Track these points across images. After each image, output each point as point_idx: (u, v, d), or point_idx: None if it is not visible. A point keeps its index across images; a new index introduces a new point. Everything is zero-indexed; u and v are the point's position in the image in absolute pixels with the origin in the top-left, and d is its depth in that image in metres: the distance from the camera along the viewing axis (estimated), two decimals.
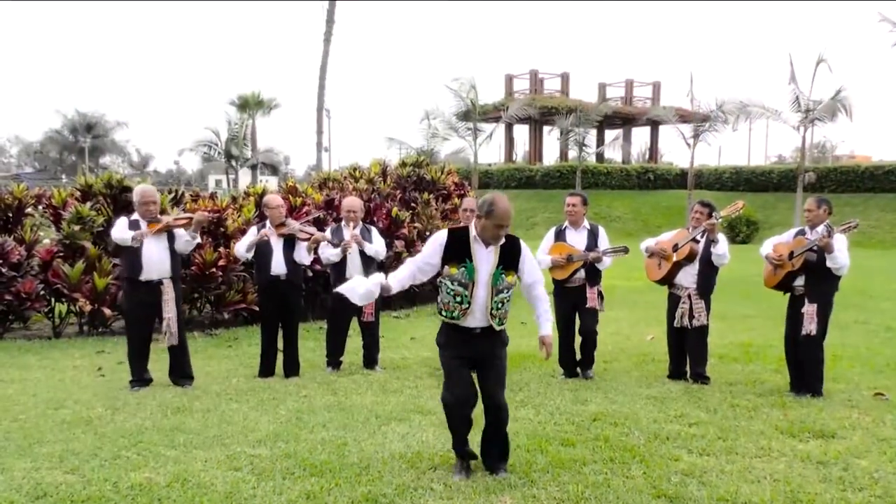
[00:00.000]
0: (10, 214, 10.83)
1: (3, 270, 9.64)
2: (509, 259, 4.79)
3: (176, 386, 7.27)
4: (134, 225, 7.14)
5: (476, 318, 4.75)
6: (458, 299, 4.71)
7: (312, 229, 7.80)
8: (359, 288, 4.89)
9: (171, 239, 7.19)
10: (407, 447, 5.45)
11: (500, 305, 4.76)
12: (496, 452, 4.98)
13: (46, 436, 5.69)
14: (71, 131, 65.68)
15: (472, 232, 4.76)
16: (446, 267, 4.76)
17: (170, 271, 7.17)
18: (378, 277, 4.90)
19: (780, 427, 6.00)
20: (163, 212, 8.13)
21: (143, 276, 7.08)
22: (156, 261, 7.09)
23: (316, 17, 72.52)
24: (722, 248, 7.33)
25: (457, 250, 4.74)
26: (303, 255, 7.71)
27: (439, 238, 4.82)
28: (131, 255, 7.10)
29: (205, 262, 10.20)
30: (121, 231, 7.10)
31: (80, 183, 11.02)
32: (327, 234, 8.07)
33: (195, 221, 7.16)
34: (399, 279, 4.90)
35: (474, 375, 4.89)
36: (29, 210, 11.06)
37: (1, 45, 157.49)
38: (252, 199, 11.84)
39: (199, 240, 7.41)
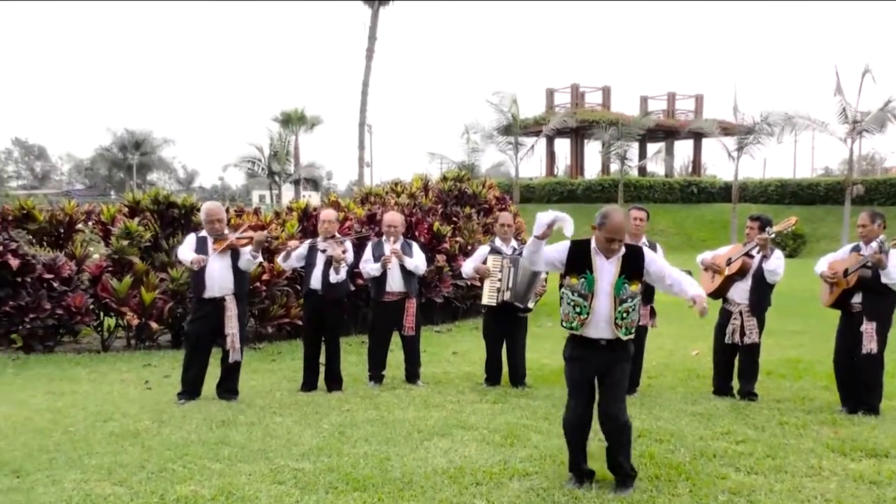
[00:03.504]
0: (62, 230, 11.05)
1: (55, 285, 9.84)
2: (632, 268, 4.85)
3: (221, 400, 7.34)
4: (201, 242, 7.28)
5: (599, 329, 4.82)
6: (578, 310, 4.81)
7: (338, 245, 7.77)
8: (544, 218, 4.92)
9: (235, 256, 7.28)
10: (449, 462, 5.42)
11: (625, 315, 4.81)
12: (619, 470, 4.95)
13: (95, 448, 5.78)
14: (120, 148, 67.02)
15: (594, 244, 4.85)
16: (567, 277, 4.86)
17: (233, 288, 7.25)
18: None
19: (831, 445, 5.85)
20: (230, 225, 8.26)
21: (207, 294, 7.19)
22: (219, 278, 7.18)
23: (358, 33, 73.47)
24: (773, 263, 7.17)
25: (578, 261, 4.84)
26: (332, 274, 7.70)
27: (562, 247, 4.91)
28: (196, 273, 7.23)
29: (249, 276, 10.31)
30: (186, 251, 7.26)
31: (128, 199, 11.22)
32: (369, 250, 8.11)
33: (255, 241, 7.25)
34: (550, 249, 4.94)
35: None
36: (79, 226, 11.28)
37: (56, 64, 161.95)
38: (295, 215, 11.94)
39: (260, 259, 7.51)
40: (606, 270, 4.81)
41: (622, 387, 4.93)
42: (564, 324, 4.92)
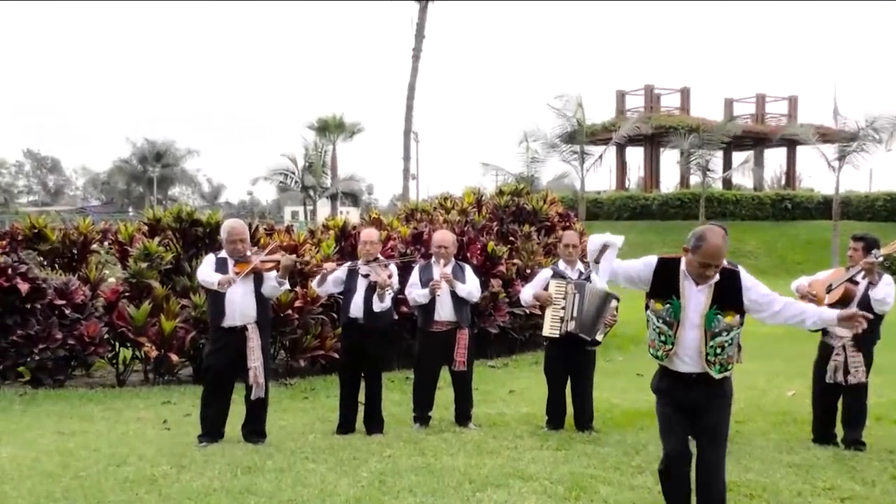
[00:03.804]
0: (75, 251, 11.29)
1: (67, 312, 10.01)
2: (727, 297, 4.74)
3: (247, 443, 7.37)
4: (221, 263, 7.30)
5: (687, 363, 4.78)
6: (662, 338, 4.80)
7: (382, 271, 7.77)
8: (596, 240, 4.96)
9: (259, 281, 7.30)
10: None
11: (718, 350, 4.73)
12: None
13: (108, 496, 5.84)
14: (139, 160, 68.63)
15: (683, 267, 4.77)
16: (652, 300, 4.84)
17: (255, 316, 7.27)
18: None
19: None
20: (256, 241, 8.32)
21: (227, 322, 7.22)
22: (240, 304, 7.21)
23: (403, 32, 74.26)
24: (882, 290, 6.97)
25: (664, 284, 4.79)
26: (373, 300, 7.71)
27: (650, 262, 4.88)
28: (214, 299, 7.28)
29: (279, 303, 10.35)
30: (207, 272, 7.27)
31: (147, 216, 11.41)
32: (415, 273, 8.11)
33: (283, 266, 7.26)
34: (620, 266, 4.94)
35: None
36: (94, 246, 11.51)
37: (71, 69, 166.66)
38: (332, 234, 12.02)
39: (287, 286, 7.55)
40: (695, 299, 4.72)
41: (720, 432, 4.84)
42: (651, 351, 4.91)
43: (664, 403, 4.90)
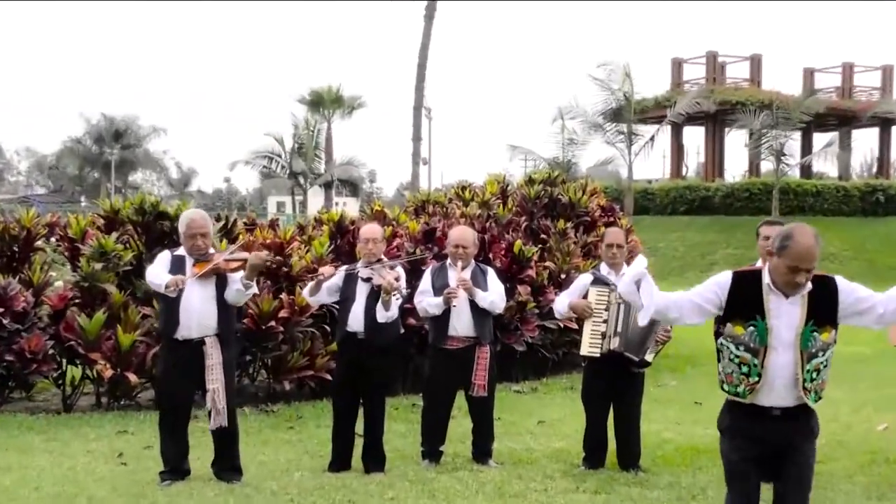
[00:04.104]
0: (17, 249, 11.25)
1: (5, 322, 9.99)
2: (823, 310, 4.70)
3: (220, 481, 7.36)
4: (178, 263, 7.26)
5: (774, 395, 4.71)
6: (745, 369, 4.71)
7: (388, 273, 7.73)
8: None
9: (221, 285, 7.23)
10: None
11: (815, 375, 4.72)
12: None
13: None
14: (95, 140, 68.89)
15: (766, 278, 4.72)
16: (729, 325, 4.76)
17: (216, 328, 7.23)
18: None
19: None
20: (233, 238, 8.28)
21: (181, 334, 7.18)
22: (197, 312, 7.15)
23: None
24: None
25: (744, 301, 4.73)
26: (377, 309, 7.65)
27: (721, 280, 4.84)
28: (166, 305, 7.26)
29: (260, 312, 10.36)
30: (156, 272, 7.22)
31: (103, 207, 11.42)
32: (426, 278, 8.10)
33: (249, 266, 7.12)
34: (669, 299, 4.92)
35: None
36: (39, 243, 11.50)
37: (9, 35, 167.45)
38: (325, 229, 12.02)
39: (255, 290, 7.48)
40: (786, 313, 4.66)
41: (807, 478, 4.81)
42: (726, 387, 4.83)
43: (736, 447, 4.83)
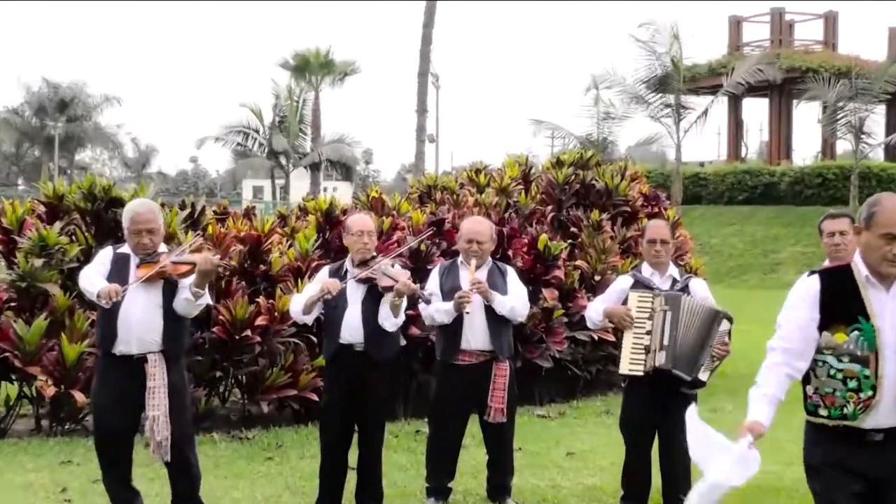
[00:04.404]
0: None
1: None
2: None
3: None
4: (120, 262, 7.15)
5: (884, 413, 4.61)
6: (853, 385, 4.61)
7: (399, 273, 7.81)
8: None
9: (170, 291, 7.10)
10: None
11: None
12: None
13: None
14: (36, 111, 68.65)
15: (861, 269, 4.67)
16: (825, 333, 4.68)
17: (160, 342, 7.08)
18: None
19: None
20: (170, 240, 8.26)
21: (119, 348, 7.05)
22: (138, 323, 7.00)
23: None
24: None
25: (841, 302, 4.67)
26: (383, 316, 7.68)
27: (809, 289, 4.75)
28: (103, 313, 7.08)
29: (233, 319, 10.37)
30: (90, 275, 7.08)
31: (45, 192, 11.43)
32: (433, 278, 8.12)
33: (198, 271, 6.95)
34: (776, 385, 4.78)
35: None
36: None
37: None
38: (312, 220, 12.04)
39: (208, 299, 7.31)
40: (891, 312, 4.61)
41: None
42: (825, 412, 4.69)
43: (837, 485, 4.68)
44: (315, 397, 10.09)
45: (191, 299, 6.99)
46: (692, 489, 4.75)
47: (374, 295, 7.64)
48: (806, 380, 4.75)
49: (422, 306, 8.12)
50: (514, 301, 8.06)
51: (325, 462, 7.91)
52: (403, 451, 9.86)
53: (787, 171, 39.65)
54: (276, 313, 10.54)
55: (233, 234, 10.97)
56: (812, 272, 4.81)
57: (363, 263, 7.69)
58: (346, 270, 7.77)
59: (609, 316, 7.87)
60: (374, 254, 7.84)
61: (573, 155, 15.41)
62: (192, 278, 6.96)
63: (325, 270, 8.03)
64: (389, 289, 7.50)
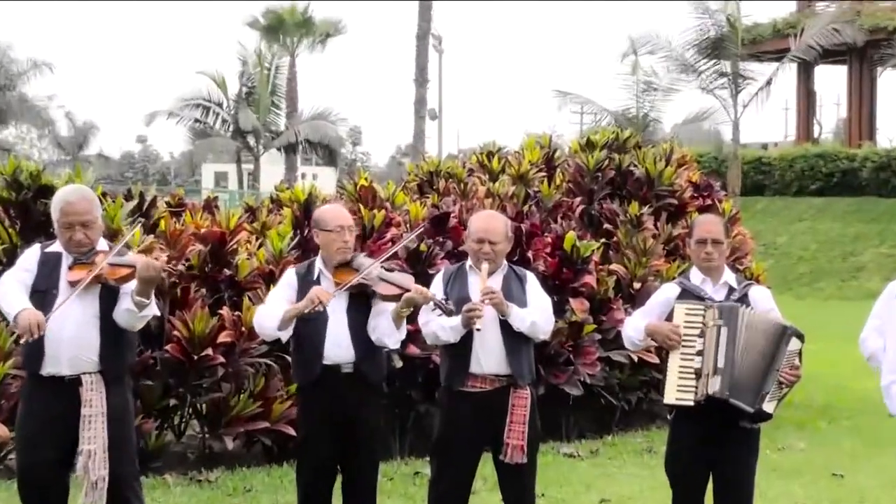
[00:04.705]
0: None
1: None
2: None
3: None
4: (49, 265, 7.10)
5: None
6: None
7: (405, 278, 7.73)
8: None
9: (109, 299, 7.02)
10: None
11: None
12: None
13: None
14: None
15: None
16: None
17: (97, 361, 7.02)
18: None
19: None
20: (114, 236, 8.23)
21: (47, 369, 6.98)
22: (70, 338, 6.92)
23: None
24: None
25: None
26: (383, 330, 7.69)
27: None
28: None
29: (191, 335, 10.35)
30: (8, 292, 6.93)
31: None
32: (437, 286, 8.07)
33: (139, 278, 6.84)
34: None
35: None
36: None
37: None
38: (287, 213, 12.01)
39: (155, 311, 7.26)
40: None
41: None
42: None
43: None
44: (291, 431, 10.02)
45: (133, 310, 6.90)
46: None
47: (359, 303, 7.64)
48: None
49: (422, 320, 8.01)
50: (535, 314, 7.97)
51: None
52: (399, 496, 9.89)
53: (870, 155, 39.64)
54: (243, 328, 10.53)
55: (190, 230, 10.99)
56: None
57: (344, 265, 7.62)
58: (320, 273, 7.70)
59: (651, 333, 7.80)
60: (354, 255, 7.77)
61: (606, 134, 15.41)
62: (133, 283, 6.87)
63: (291, 273, 7.97)
64: (394, 297, 7.48)
